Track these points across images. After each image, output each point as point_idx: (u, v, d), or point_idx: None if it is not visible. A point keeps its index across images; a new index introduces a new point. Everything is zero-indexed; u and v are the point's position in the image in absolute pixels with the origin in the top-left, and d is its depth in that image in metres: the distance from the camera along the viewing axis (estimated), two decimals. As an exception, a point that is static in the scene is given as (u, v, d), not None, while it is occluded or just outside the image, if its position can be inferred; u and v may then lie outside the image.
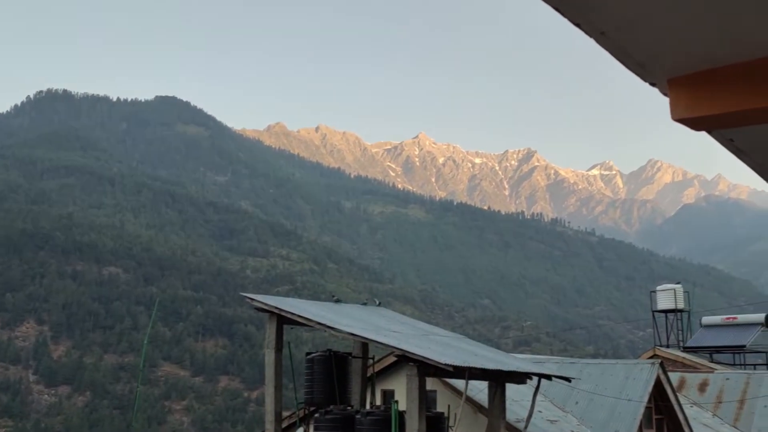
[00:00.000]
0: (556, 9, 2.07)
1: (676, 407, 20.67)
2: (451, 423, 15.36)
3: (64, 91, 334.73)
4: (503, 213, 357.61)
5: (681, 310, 33.70)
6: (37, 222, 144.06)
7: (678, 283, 35.94)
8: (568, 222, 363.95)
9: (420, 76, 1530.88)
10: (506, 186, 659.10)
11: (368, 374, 17.42)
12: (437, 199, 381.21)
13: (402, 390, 14.69)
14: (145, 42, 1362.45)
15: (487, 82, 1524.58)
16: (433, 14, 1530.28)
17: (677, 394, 21.55)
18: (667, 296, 33.95)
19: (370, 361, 17.59)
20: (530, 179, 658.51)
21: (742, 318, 33.66)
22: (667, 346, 32.38)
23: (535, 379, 15.28)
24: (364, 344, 16.76)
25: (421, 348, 13.90)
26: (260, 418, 17.66)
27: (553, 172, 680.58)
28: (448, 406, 16.28)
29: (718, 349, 32.01)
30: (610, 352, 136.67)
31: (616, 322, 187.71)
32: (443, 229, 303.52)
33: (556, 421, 18.52)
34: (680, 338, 33.22)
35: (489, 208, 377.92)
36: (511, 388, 16.07)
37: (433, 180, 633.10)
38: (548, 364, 21.12)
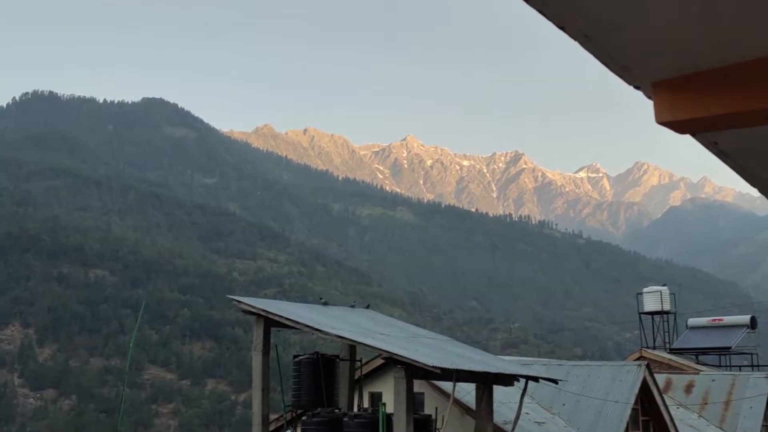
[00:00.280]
0: (541, 12, 2.08)
1: (662, 409, 20.79)
2: (438, 425, 15.36)
3: (50, 92, 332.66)
4: (491, 215, 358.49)
5: (667, 312, 33.91)
6: (22, 224, 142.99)
7: (664, 285, 36.18)
8: (556, 224, 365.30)
9: (408, 79, 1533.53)
10: (494, 188, 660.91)
11: (356, 377, 17.41)
12: (425, 201, 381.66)
13: (390, 392, 14.69)
14: (132, 43, 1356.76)
15: (475, 85, 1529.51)
16: (421, 17, 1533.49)
17: (663, 395, 21.66)
18: (654, 298, 34.16)
19: (358, 363, 17.58)
20: (518, 181, 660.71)
21: (727, 320, 33.93)
22: (654, 348, 32.57)
23: (523, 381, 15.33)
24: (352, 347, 16.75)
25: (409, 350, 13.90)
26: (247, 421, 17.58)
27: (540, 174, 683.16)
28: (436, 408, 16.29)
29: (704, 351, 32.23)
30: (597, 354, 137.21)
31: (603, 323, 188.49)
32: (431, 232, 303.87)
33: (543, 422, 18.56)
34: (667, 340, 33.43)
35: (477, 210, 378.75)
36: (498, 390, 16.10)
37: (421, 182, 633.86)
38: (535, 366, 21.18)
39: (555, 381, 16.17)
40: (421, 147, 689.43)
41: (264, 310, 15.68)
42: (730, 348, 31.36)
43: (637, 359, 27.99)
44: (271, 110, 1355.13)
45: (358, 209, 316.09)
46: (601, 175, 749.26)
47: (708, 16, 2.10)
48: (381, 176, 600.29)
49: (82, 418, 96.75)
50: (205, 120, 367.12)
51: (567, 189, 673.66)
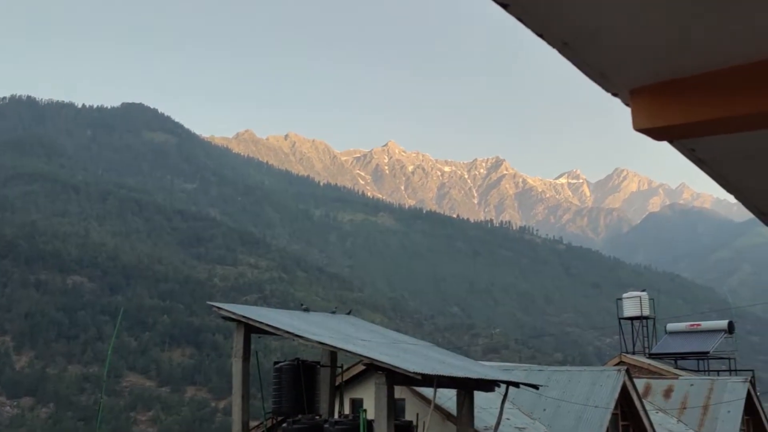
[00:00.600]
0: (519, 19, 2.10)
1: (641, 413, 20.93)
2: (419, 431, 15.35)
3: (28, 97, 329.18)
4: (472, 221, 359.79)
5: (646, 317, 34.17)
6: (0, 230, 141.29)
7: (643, 290, 36.44)
8: (536, 230, 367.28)
9: (389, 85, 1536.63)
10: (475, 194, 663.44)
11: (337, 383, 17.36)
12: (407, 207, 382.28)
13: (370, 399, 14.66)
14: (112, 48, 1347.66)
15: (456, 91, 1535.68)
16: (404, 24, 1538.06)
17: (643, 400, 21.81)
18: (633, 303, 34.41)
19: (339, 369, 17.53)
20: (499, 187, 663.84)
21: (705, 325, 34.23)
22: (633, 353, 32.79)
23: (503, 386, 15.36)
24: (333, 353, 16.70)
25: (390, 356, 13.88)
26: (227, 429, 17.46)
27: (521, 180, 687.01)
28: (417, 414, 16.28)
29: (683, 356, 32.51)
30: (577, 359, 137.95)
31: (584, 329, 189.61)
32: (412, 237, 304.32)
33: (524, 428, 18.61)
34: (646, 345, 33.68)
35: (458, 216, 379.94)
36: (479, 396, 16.13)
37: (403, 188, 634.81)
38: (516, 371, 21.25)
39: (536, 386, 16.23)
40: (403, 153, 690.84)
41: (244, 317, 15.60)
42: (708, 353, 31.66)
43: (617, 364, 28.19)
44: (252, 116, 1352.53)
45: (340, 215, 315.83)
46: (581, 181, 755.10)
47: (684, 24, 2.12)
48: (362, 182, 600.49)
49: (60, 426, 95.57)
50: (186, 125, 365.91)
51: (547, 195, 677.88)
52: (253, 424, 17.76)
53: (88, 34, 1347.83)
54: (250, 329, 15.71)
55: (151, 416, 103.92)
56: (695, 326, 33.97)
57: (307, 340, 14.53)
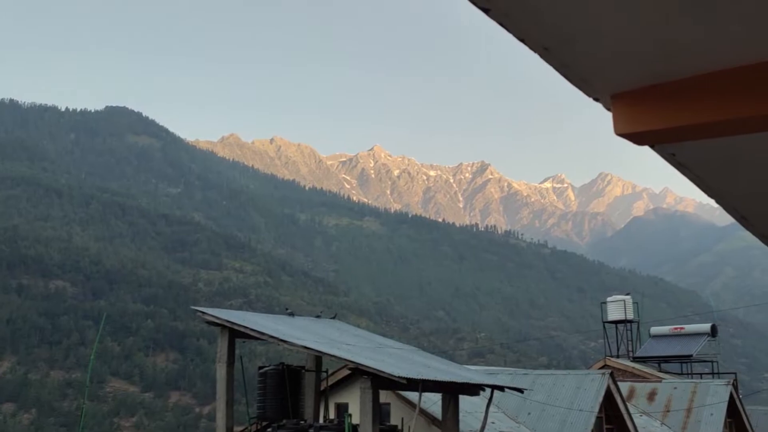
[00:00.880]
0: (500, 24, 2.11)
1: (626, 416, 21.03)
2: (404, 436, 15.33)
3: (11, 100, 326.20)
4: (457, 225, 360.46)
5: (631, 321, 34.39)
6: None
7: (628, 294, 36.70)
8: (522, 234, 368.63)
9: (375, 89, 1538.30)
10: (460, 198, 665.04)
11: (322, 388, 17.31)
12: (392, 211, 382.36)
13: (356, 403, 14.63)
14: (96, 51, 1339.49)
15: (441, 96, 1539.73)
16: (388, 28, 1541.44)
17: (627, 403, 21.93)
18: (617, 307, 34.62)
19: (324, 374, 17.48)
20: (484, 192, 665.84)
21: (689, 328, 34.54)
22: (618, 356, 32.96)
23: (488, 390, 15.39)
24: (318, 357, 16.66)
25: (375, 360, 13.87)
26: (211, 434, 17.37)
27: (506, 184, 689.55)
28: (402, 418, 16.26)
29: (667, 359, 32.73)
30: (562, 363, 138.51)
31: (568, 332, 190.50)
32: (398, 242, 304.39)
33: (509, 432, 18.63)
34: (630, 348, 33.87)
35: (443, 220, 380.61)
36: (464, 400, 16.14)
37: (388, 192, 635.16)
38: (501, 375, 21.30)
39: (520, 390, 16.27)
40: (389, 157, 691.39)
41: (229, 321, 15.53)
42: (691, 356, 31.91)
43: (602, 368, 28.30)
44: (237, 120, 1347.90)
45: (325, 219, 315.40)
46: (566, 185, 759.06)
47: (664, 29, 2.13)
48: (348, 186, 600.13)
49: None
50: (171, 129, 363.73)
51: (533, 199, 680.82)
52: (237, 429, 17.66)
53: (72, 36, 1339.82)
54: (235, 334, 15.64)
55: (135, 422, 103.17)
56: (679, 330, 34.25)
57: (292, 344, 14.49)
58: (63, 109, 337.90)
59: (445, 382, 14.25)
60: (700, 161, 3.08)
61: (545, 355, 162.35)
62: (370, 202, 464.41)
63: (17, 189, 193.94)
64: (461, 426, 15.78)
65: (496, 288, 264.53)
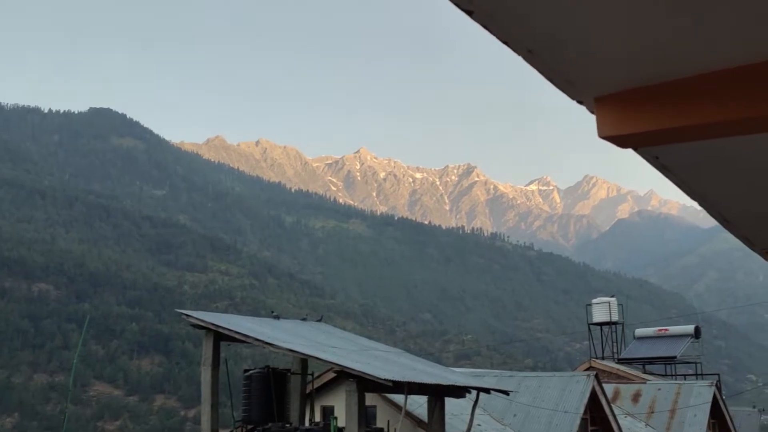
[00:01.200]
0: (485, 27, 2.11)
1: (610, 418, 21.14)
2: (390, 438, 15.31)
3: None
4: (444, 227, 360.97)
5: (615, 323, 34.57)
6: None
7: (612, 296, 36.86)
8: (507, 236, 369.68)
9: (361, 92, 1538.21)
10: (447, 201, 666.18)
11: (308, 390, 17.26)
12: (378, 213, 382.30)
13: (341, 406, 14.60)
14: (79, 52, 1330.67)
15: (427, 98, 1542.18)
16: (374, 31, 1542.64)
17: (612, 405, 22.03)
18: (602, 309, 34.78)
19: (310, 377, 17.43)
20: (470, 194, 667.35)
21: (673, 330, 34.76)
22: (603, 358, 33.11)
23: (474, 392, 15.40)
24: (303, 360, 16.61)
25: (361, 363, 13.85)
26: (196, 438, 17.27)
27: (492, 187, 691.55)
28: (388, 421, 16.25)
29: (651, 360, 32.92)
30: (548, 365, 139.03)
31: (554, 334, 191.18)
32: (384, 244, 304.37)
33: (494, 434, 18.65)
34: (615, 350, 34.05)
35: (430, 222, 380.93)
36: (450, 402, 16.14)
37: (374, 195, 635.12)
38: (487, 377, 21.34)
39: (506, 392, 16.30)
40: (374, 159, 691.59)
41: (214, 324, 15.45)
42: (675, 357, 32.12)
43: (587, 369, 28.43)
44: (223, 122, 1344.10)
45: (311, 221, 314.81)
46: (551, 188, 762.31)
47: (648, 33, 2.14)
48: (334, 188, 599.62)
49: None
50: (155, 131, 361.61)
51: (518, 202, 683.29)
52: (222, 432, 17.57)
53: (56, 37, 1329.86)
54: (220, 337, 15.56)
55: (119, 425, 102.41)
56: (663, 331, 34.47)
57: (278, 347, 14.43)
58: (46, 111, 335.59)
59: (431, 384, 14.25)
60: (683, 164, 3.09)
61: (531, 356, 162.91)
62: (356, 204, 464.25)
63: (0, 191, 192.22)
64: (447, 428, 15.79)
65: (482, 290, 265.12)
